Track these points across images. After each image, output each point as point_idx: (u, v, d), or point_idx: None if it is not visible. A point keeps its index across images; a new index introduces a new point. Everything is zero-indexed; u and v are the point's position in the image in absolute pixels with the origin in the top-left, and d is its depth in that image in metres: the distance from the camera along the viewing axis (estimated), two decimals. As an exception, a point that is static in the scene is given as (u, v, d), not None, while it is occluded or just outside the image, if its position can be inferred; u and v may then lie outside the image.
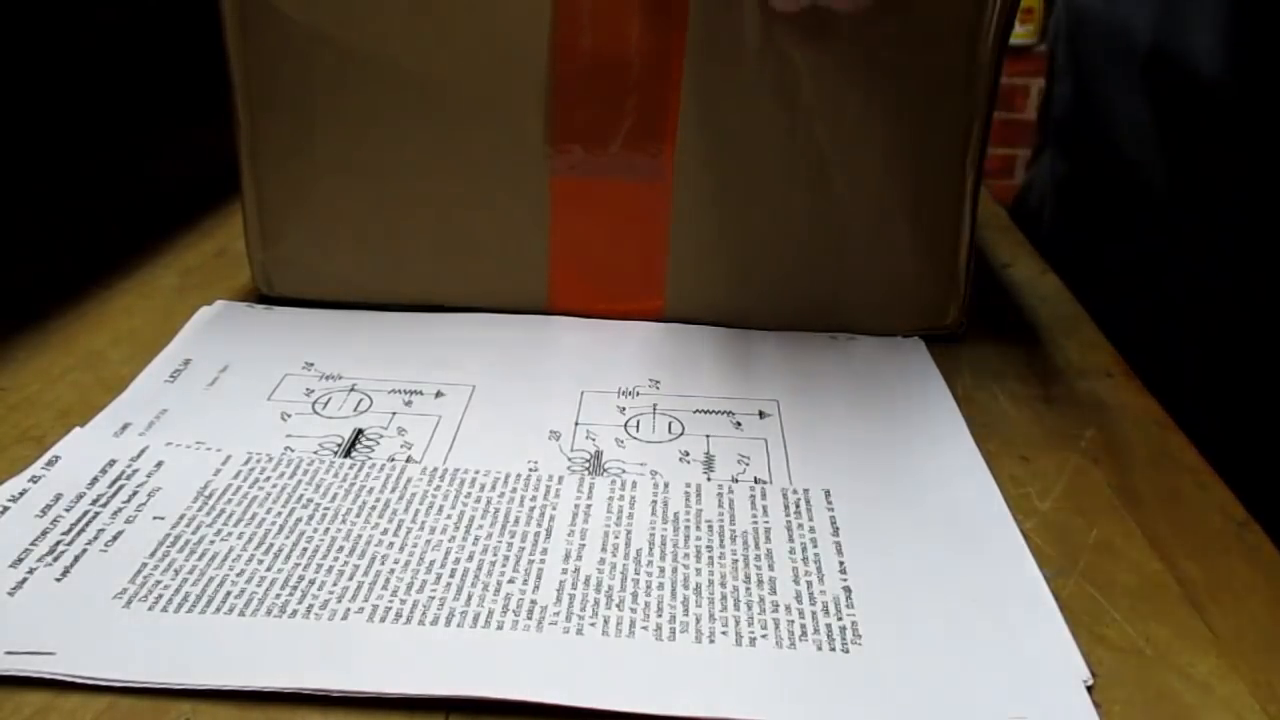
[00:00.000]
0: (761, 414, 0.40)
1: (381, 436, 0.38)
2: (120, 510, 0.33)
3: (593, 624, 0.29)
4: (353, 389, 0.41)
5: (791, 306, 0.46)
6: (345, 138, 0.44)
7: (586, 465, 0.37)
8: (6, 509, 0.33)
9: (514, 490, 0.35)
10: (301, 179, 0.46)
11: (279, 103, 0.44)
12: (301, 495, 0.35)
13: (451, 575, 0.31)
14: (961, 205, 0.44)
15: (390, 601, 0.30)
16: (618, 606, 0.30)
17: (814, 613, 0.30)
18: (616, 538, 0.33)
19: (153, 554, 0.32)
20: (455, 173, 0.45)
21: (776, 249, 0.45)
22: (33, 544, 0.32)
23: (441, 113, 0.44)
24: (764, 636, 0.29)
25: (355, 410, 0.40)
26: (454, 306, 0.47)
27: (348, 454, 0.37)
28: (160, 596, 0.30)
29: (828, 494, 0.35)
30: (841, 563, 0.32)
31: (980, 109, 0.43)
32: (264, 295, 0.48)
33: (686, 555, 0.32)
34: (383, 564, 0.31)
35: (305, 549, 0.32)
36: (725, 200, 0.45)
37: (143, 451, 0.36)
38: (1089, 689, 0.28)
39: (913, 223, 0.45)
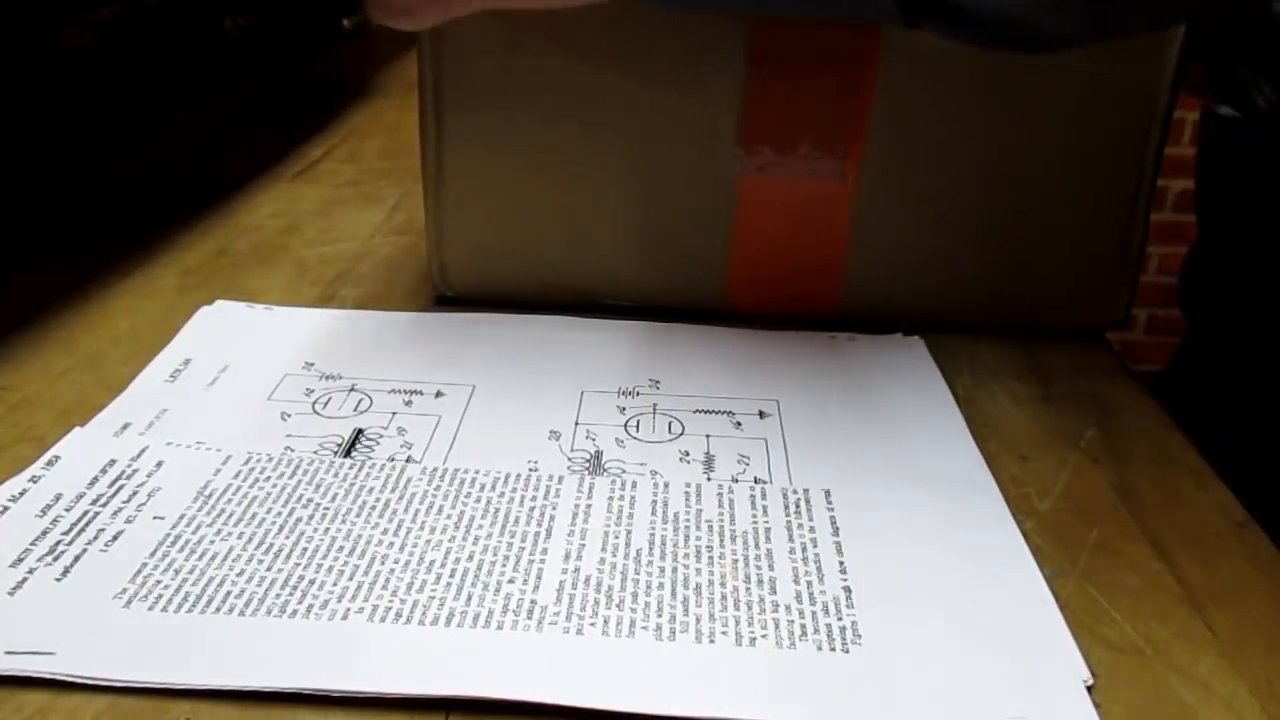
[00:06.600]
0: (761, 414, 0.40)
1: (381, 436, 0.38)
2: (120, 510, 0.33)
3: (593, 624, 0.29)
4: (353, 389, 0.41)
5: (970, 305, 0.47)
6: (535, 134, 0.44)
7: (586, 465, 0.37)
8: (6, 509, 0.33)
9: (514, 490, 0.35)
10: (487, 175, 0.45)
11: (470, 101, 0.44)
12: (301, 495, 0.35)
13: (451, 575, 0.31)
14: (1136, 205, 0.45)
15: (390, 601, 0.30)
16: (618, 606, 0.30)
17: (814, 613, 0.30)
18: (616, 538, 0.33)
19: (153, 554, 0.32)
20: (645, 170, 0.45)
21: (958, 249, 0.45)
22: (33, 544, 0.32)
23: (636, 112, 0.44)
24: (764, 636, 0.29)
25: (355, 410, 0.40)
26: (632, 303, 0.47)
27: (348, 454, 0.37)
28: (160, 596, 0.30)
29: (828, 494, 0.35)
30: (841, 563, 0.32)
31: (1159, 117, 0.43)
32: (442, 296, 0.48)
33: (686, 555, 0.32)
34: (383, 564, 0.31)
35: (305, 549, 0.32)
36: (907, 201, 0.45)
37: (143, 451, 0.36)
38: (1089, 689, 0.28)
39: (1091, 221, 0.45)
